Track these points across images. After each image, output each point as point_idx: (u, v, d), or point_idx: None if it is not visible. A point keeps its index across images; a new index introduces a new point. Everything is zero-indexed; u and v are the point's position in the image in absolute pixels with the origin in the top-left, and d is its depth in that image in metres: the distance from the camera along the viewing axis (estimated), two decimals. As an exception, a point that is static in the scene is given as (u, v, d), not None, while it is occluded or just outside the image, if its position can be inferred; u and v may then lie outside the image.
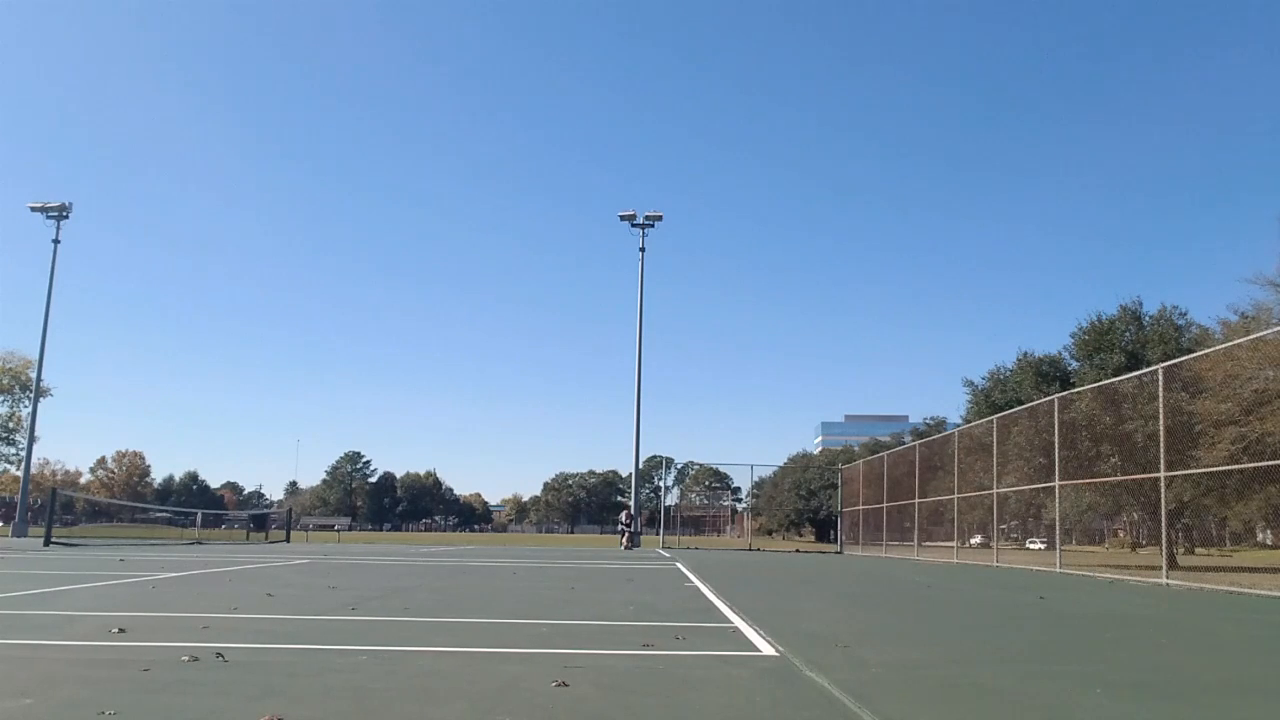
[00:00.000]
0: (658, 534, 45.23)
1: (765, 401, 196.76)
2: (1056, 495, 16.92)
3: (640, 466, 38.09)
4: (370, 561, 15.42)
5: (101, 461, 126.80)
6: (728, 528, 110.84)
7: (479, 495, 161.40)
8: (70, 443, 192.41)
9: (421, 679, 3.72)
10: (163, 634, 5.06)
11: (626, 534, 33.11)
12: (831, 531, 62.81)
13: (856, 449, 72.58)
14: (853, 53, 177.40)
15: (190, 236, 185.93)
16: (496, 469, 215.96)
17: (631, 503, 36.23)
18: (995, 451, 19.71)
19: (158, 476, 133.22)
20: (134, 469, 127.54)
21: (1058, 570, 15.93)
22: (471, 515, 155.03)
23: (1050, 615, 7.49)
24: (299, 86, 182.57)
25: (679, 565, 15.83)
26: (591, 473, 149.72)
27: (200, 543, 29.00)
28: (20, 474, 47.26)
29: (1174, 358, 17.35)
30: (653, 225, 37.10)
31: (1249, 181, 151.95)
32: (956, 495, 21.69)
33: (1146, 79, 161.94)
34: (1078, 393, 19.70)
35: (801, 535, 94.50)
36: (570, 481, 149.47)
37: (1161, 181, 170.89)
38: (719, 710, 3.21)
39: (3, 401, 54.68)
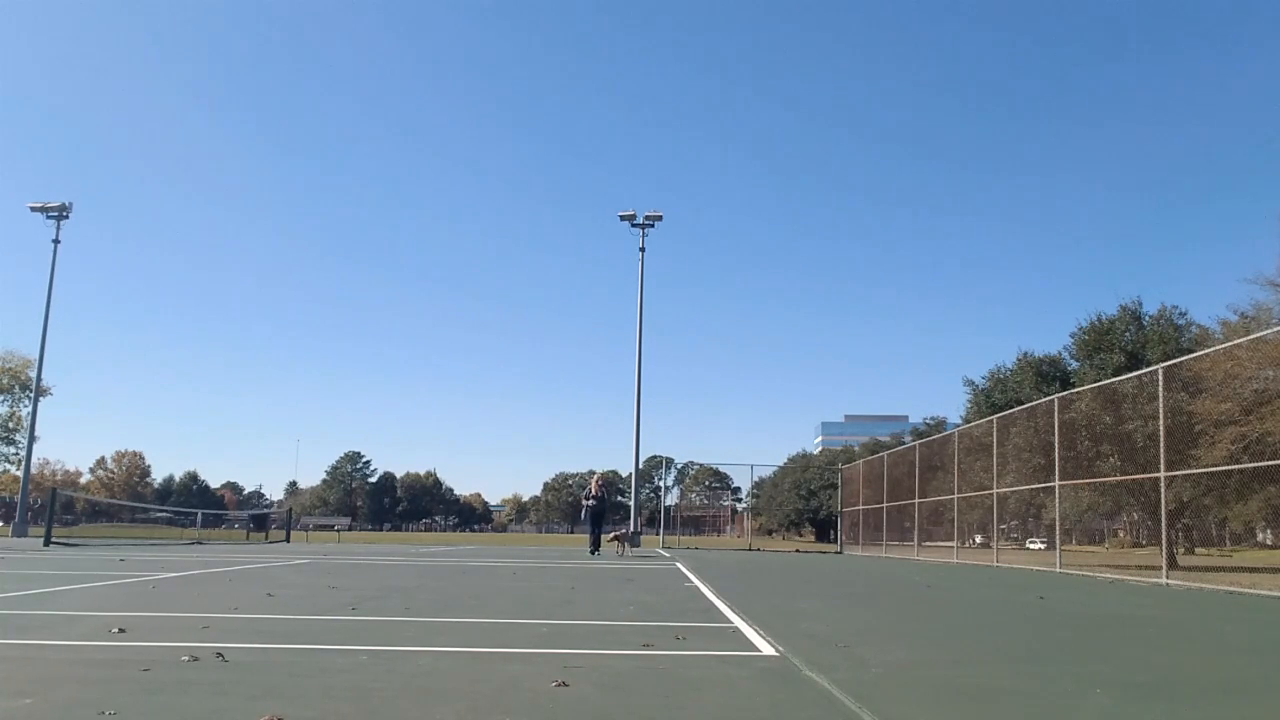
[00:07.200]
0: (658, 534, 45.22)
1: (765, 401, 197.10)
2: (1056, 495, 16.92)
3: (640, 466, 38.08)
4: (370, 561, 15.41)
5: (101, 461, 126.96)
6: (728, 528, 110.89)
7: (479, 495, 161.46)
8: (70, 443, 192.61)
9: (421, 679, 3.71)
10: (163, 634, 5.05)
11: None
12: (831, 531, 62.82)
13: (856, 449, 72.63)
14: (853, 53, 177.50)
15: (190, 237, 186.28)
16: (496, 469, 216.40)
17: (632, 502, 36.08)
18: (995, 452, 19.71)
19: (158, 476, 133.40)
20: (134, 469, 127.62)
21: (1058, 570, 15.92)
22: (471, 515, 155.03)
23: (1050, 615, 7.49)
24: (299, 87, 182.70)
25: (679, 565, 15.82)
26: (592, 472, 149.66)
27: (200, 543, 29.00)
28: (20, 474, 47.25)
29: (1174, 358, 17.35)
30: (653, 225, 37.10)
31: (1249, 181, 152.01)
32: (956, 495, 21.68)
33: (1145, 79, 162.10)
34: (1077, 393, 19.70)
35: (801, 535, 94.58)
36: (570, 481, 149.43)
37: (1161, 181, 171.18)
38: (719, 710, 3.20)
39: (3, 401, 54.74)
